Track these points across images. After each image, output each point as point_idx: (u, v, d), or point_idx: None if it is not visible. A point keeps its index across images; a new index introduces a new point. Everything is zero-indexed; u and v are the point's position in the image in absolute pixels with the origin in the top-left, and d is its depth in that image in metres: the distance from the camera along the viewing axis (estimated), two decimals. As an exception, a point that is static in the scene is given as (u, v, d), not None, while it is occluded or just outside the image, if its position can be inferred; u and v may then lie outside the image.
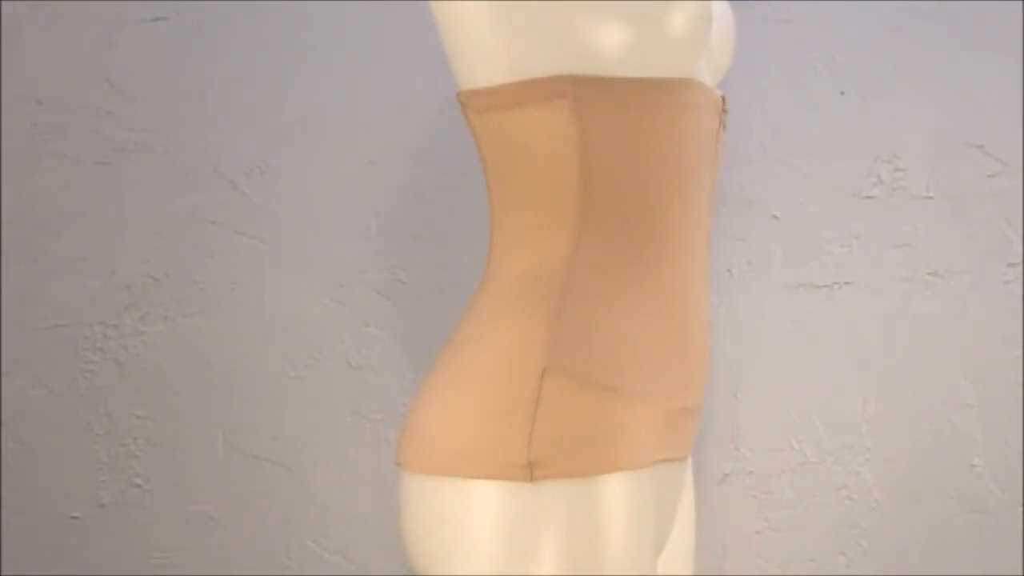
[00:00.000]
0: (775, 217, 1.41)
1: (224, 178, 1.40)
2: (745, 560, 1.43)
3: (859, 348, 1.41)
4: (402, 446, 0.85)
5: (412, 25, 1.38)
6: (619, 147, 0.81)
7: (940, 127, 1.39)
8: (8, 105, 1.38)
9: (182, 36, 1.38)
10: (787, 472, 1.42)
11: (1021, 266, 1.41)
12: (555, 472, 0.77)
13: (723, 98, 0.92)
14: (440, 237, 1.40)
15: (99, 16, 1.37)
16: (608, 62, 0.79)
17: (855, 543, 1.43)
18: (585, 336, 0.81)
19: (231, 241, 1.40)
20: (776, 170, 1.40)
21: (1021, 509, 1.43)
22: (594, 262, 0.82)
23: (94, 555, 1.42)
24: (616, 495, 0.79)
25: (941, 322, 1.41)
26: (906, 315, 1.41)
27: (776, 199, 1.40)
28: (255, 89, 1.39)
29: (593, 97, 0.79)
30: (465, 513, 0.78)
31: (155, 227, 1.40)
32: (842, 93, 1.39)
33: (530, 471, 0.77)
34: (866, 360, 1.41)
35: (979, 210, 1.40)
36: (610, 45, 0.79)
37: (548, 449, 0.77)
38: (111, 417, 1.41)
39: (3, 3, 1.37)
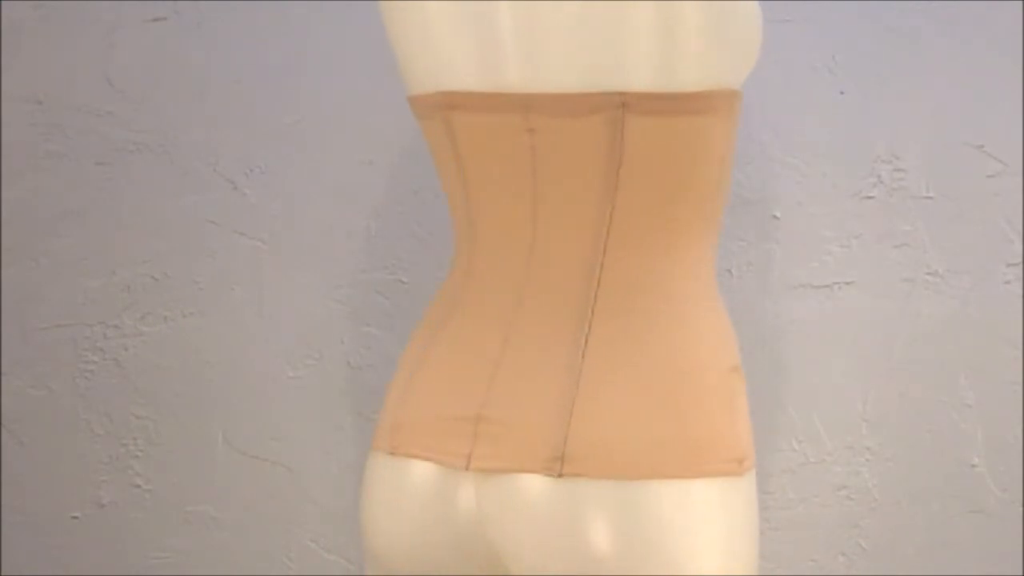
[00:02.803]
0: (775, 217, 1.41)
1: (224, 178, 1.40)
2: (745, 560, 1.43)
3: (859, 348, 1.41)
4: (577, 455, 0.81)
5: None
6: (732, 151, 0.89)
7: (940, 127, 1.39)
8: (8, 105, 1.38)
9: (182, 36, 1.38)
10: (787, 472, 1.42)
11: (1021, 266, 1.40)
12: (750, 464, 0.85)
13: None
14: (440, 237, 1.40)
15: (99, 16, 1.37)
16: (741, 75, 0.85)
17: (855, 543, 1.43)
18: (728, 330, 0.89)
19: (231, 241, 1.40)
20: (776, 170, 1.40)
21: (1021, 509, 1.43)
22: (709, 258, 0.89)
23: (94, 555, 1.42)
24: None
25: (941, 322, 1.41)
26: (906, 315, 1.41)
27: (776, 199, 1.40)
28: (255, 89, 1.39)
29: (735, 106, 0.86)
30: (697, 512, 0.81)
31: (155, 227, 1.40)
32: (842, 93, 1.39)
33: (742, 464, 0.83)
34: (866, 360, 1.41)
35: (979, 210, 1.40)
36: (753, 59, 0.86)
37: (747, 442, 0.85)
38: (111, 417, 1.41)
39: (3, 3, 1.37)
